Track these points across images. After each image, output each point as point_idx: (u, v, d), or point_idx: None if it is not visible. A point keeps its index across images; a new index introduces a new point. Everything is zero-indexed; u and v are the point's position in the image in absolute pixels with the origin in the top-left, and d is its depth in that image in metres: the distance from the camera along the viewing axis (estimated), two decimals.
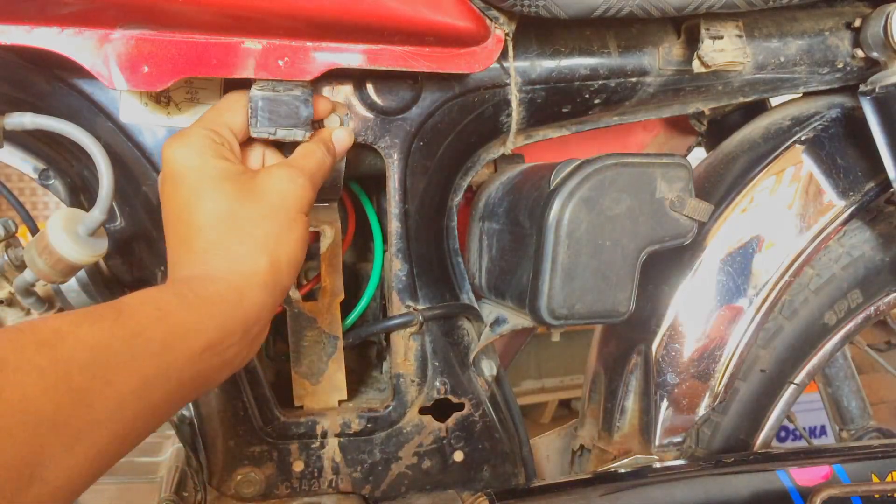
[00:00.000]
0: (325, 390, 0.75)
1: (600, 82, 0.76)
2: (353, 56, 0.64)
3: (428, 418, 0.75)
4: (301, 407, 0.75)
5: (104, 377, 0.41)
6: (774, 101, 0.91)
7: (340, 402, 0.76)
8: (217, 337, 0.49)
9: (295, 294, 0.74)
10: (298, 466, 0.73)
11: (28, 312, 0.70)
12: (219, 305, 0.50)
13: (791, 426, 2.01)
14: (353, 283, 0.84)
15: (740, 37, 0.74)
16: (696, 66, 0.74)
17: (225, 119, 0.60)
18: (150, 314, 0.46)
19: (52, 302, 0.74)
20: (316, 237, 0.76)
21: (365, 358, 0.89)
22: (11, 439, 0.36)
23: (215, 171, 0.56)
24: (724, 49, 0.73)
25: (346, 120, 0.68)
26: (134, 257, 0.73)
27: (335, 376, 0.75)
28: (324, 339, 0.75)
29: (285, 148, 0.65)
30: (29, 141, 0.74)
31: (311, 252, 0.78)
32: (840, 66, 0.81)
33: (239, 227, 0.54)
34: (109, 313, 0.45)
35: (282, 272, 0.55)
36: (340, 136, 0.66)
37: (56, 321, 0.43)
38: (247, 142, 0.62)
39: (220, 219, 0.54)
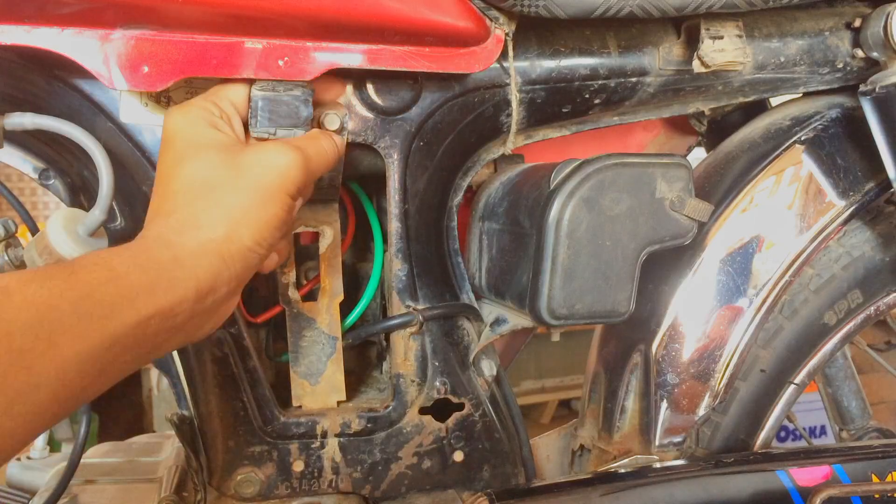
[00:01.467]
0: (324, 391, 0.75)
1: (600, 82, 0.76)
2: (353, 56, 0.64)
3: (428, 418, 0.75)
4: (301, 407, 0.75)
5: (48, 339, 0.41)
6: (774, 101, 0.91)
7: (339, 402, 0.76)
8: (167, 302, 0.48)
9: (294, 294, 0.74)
10: (298, 466, 0.73)
11: None
12: (171, 270, 0.49)
13: (791, 426, 2.01)
14: (353, 283, 0.84)
15: (740, 37, 0.74)
16: (696, 66, 0.74)
17: (228, 93, 0.61)
18: (101, 275, 0.45)
19: None
20: (316, 237, 0.76)
21: (365, 358, 0.89)
22: None
23: (204, 139, 0.56)
24: (724, 49, 0.73)
25: (345, 120, 0.68)
26: None
27: (334, 377, 0.75)
28: (323, 340, 0.75)
29: None
30: (29, 141, 0.74)
31: (311, 252, 0.78)
32: (840, 66, 0.81)
33: (211, 195, 0.54)
34: (60, 273, 0.44)
35: (242, 245, 0.53)
36: (337, 140, 0.65)
37: (5, 279, 0.42)
38: None
39: (195, 185, 0.54)
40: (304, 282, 0.78)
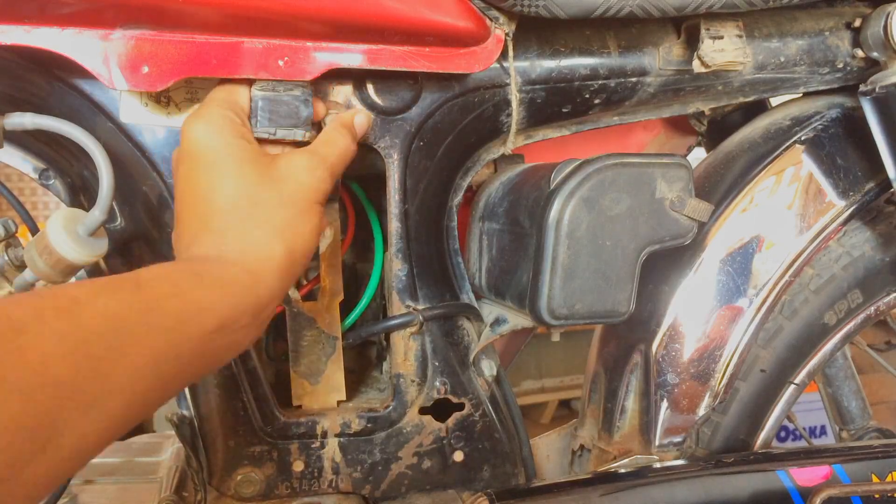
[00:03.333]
0: (324, 390, 0.75)
1: (600, 82, 0.76)
2: (353, 56, 0.64)
3: (428, 418, 0.75)
4: (301, 407, 0.75)
5: (120, 348, 0.42)
6: (774, 101, 0.91)
7: (339, 402, 0.76)
8: (229, 318, 0.50)
9: (294, 294, 0.74)
10: (298, 466, 0.73)
11: None
12: (233, 287, 0.51)
13: (791, 426, 2.01)
14: (353, 283, 0.84)
15: (740, 37, 0.74)
16: (696, 66, 0.74)
17: (237, 97, 0.61)
18: (166, 290, 0.47)
19: None
20: None
21: (365, 358, 0.89)
22: (31, 402, 0.36)
23: (236, 152, 0.56)
24: (724, 49, 0.73)
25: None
26: (134, 257, 0.73)
27: (334, 376, 0.75)
28: (323, 340, 0.75)
29: None
30: (29, 141, 0.74)
31: None
32: (840, 66, 0.81)
33: (257, 211, 0.55)
34: (127, 285, 0.46)
35: (296, 260, 0.56)
36: (361, 120, 0.66)
37: (74, 290, 0.43)
38: None
39: (240, 201, 0.55)
40: (305, 282, 0.78)
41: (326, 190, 0.59)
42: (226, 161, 0.56)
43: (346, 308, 0.77)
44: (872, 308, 0.85)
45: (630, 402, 0.82)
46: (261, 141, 0.62)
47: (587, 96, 0.76)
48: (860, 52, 0.80)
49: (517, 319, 0.73)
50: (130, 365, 0.42)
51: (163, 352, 0.45)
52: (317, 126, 0.66)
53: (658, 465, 0.78)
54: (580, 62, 0.75)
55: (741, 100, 0.83)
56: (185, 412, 0.74)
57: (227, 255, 0.53)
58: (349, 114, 0.66)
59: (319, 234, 0.59)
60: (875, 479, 0.74)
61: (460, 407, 0.76)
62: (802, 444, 1.88)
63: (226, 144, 0.56)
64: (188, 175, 0.57)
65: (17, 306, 0.40)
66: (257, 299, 0.52)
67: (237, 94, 0.61)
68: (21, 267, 0.65)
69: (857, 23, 0.79)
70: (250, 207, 0.55)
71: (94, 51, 0.58)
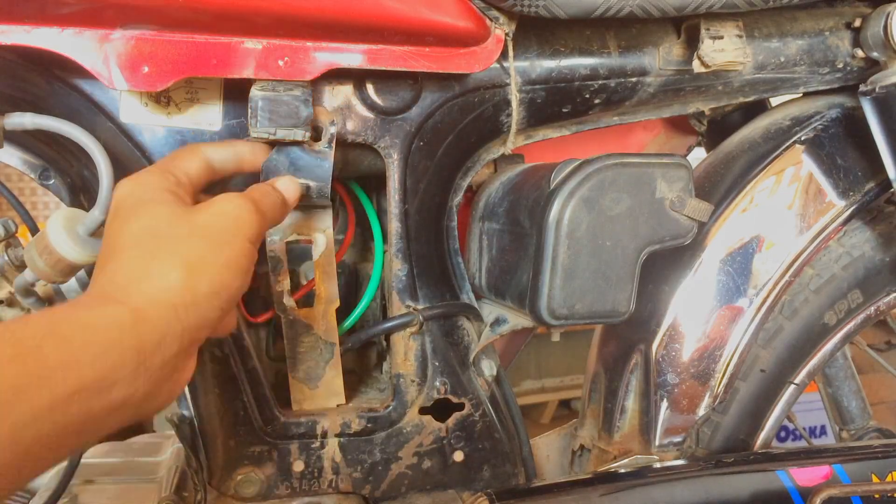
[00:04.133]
0: (323, 395, 0.75)
1: (600, 82, 0.76)
2: (353, 56, 0.64)
3: (428, 418, 0.75)
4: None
5: None
6: (774, 101, 0.91)
7: (338, 406, 0.75)
8: (96, 374, 0.42)
9: (289, 301, 0.74)
10: (298, 466, 0.73)
11: (28, 312, 0.70)
12: (102, 332, 0.43)
13: (791, 426, 2.01)
14: (353, 283, 0.83)
15: (740, 37, 0.74)
16: (696, 66, 0.74)
17: (181, 163, 0.59)
18: (7, 353, 0.40)
19: (52, 302, 0.73)
20: (308, 245, 0.75)
21: (365, 358, 0.89)
22: None
23: (154, 198, 0.53)
24: (724, 49, 0.73)
25: (335, 124, 0.67)
26: None
27: (333, 381, 0.75)
28: (320, 345, 0.75)
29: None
30: (29, 141, 0.74)
31: (307, 254, 0.78)
32: (840, 66, 0.81)
33: (160, 243, 0.49)
34: None
35: (198, 295, 0.48)
36: (286, 185, 0.62)
37: None
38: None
39: (142, 237, 0.50)
40: (303, 282, 0.77)
41: (252, 224, 0.53)
42: (137, 205, 0.52)
43: (346, 308, 0.77)
44: (872, 308, 0.85)
45: (630, 402, 0.82)
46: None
47: (587, 96, 0.76)
48: (860, 52, 0.80)
49: (517, 319, 0.73)
50: None
51: (18, 424, 0.38)
52: (317, 129, 0.66)
53: (658, 465, 0.78)
54: (580, 62, 0.75)
55: (741, 100, 0.83)
56: (185, 412, 0.74)
57: (108, 291, 0.47)
58: (275, 178, 0.63)
59: (242, 272, 0.52)
60: (875, 479, 0.74)
61: (460, 407, 0.76)
62: (802, 444, 1.88)
63: (143, 193, 0.53)
64: (107, 229, 0.53)
65: None
66: (140, 342, 0.44)
67: (180, 160, 0.59)
68: (21, 267, 0.65)
69: (857, 23, 0.79)
70: (152, 241, 0.49)
71: (94, 51, 0.58)
